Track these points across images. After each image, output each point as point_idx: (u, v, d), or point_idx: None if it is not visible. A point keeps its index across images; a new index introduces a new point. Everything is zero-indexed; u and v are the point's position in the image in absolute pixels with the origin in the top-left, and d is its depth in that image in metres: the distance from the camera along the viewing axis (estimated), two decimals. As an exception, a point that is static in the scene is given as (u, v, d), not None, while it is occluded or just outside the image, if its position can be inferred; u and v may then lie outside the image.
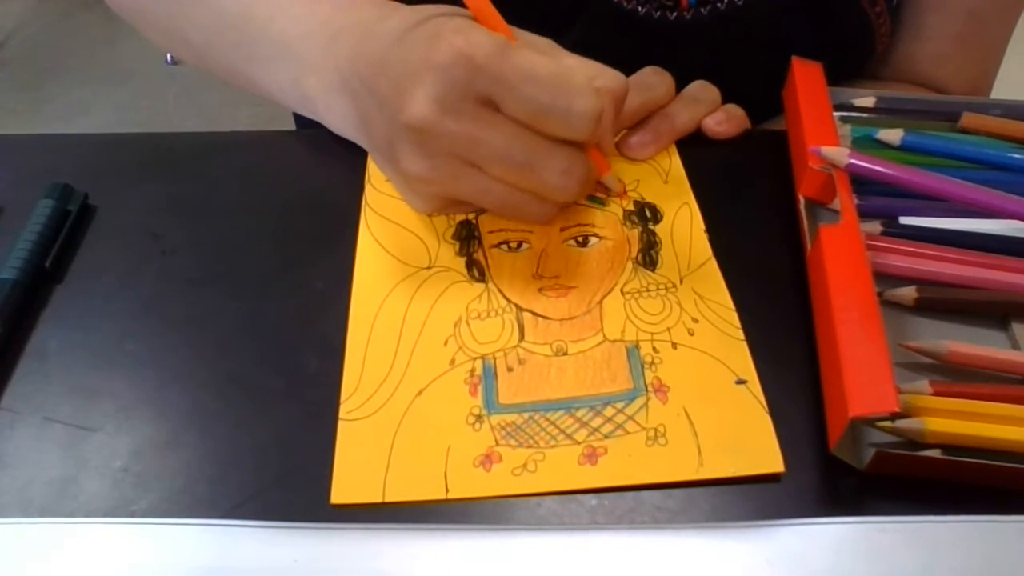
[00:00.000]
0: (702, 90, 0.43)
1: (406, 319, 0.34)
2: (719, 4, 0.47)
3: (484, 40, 0.30)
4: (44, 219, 0.37)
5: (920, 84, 0.52)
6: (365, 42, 0.34)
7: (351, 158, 0.41)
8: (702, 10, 0.47)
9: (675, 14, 0.47)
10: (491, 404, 0.31)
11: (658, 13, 0.47)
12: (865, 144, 0.39)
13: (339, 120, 0.39)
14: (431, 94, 0.31)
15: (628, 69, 0.42)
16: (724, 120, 0.42)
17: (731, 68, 0.43)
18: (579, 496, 0.29)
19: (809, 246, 0.35)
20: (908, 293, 0.34)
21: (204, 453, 0.30)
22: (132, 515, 0.28)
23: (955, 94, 0.52)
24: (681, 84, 0.43)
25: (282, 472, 0.29)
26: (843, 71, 0.44)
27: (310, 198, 0.40)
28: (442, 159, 0.32)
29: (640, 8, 0.47)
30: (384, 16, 0.35)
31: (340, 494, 0.28)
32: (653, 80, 0.41)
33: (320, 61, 0.37)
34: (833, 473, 0.29)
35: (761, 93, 0.44)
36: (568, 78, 0.31)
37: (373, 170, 0.40)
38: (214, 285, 0.36)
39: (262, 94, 0.43)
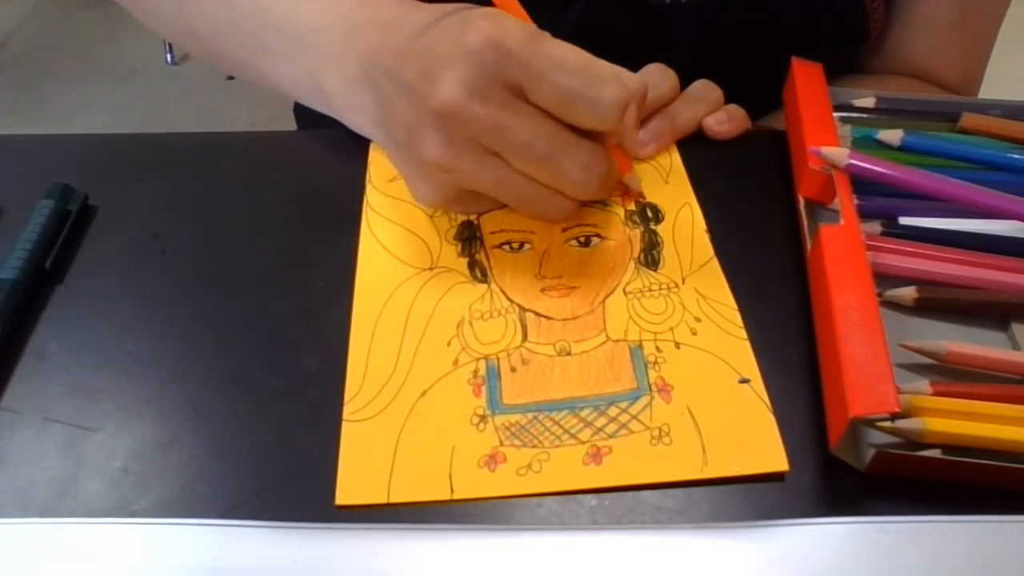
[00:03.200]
0: (704, 89, 0.43)
1: (409, 320, 0.34)
2: None
3: (515, 27, 0.31)
4: (44, 219, 0.37)
5: (913, 74, 0.52)
6: (388, 35, 0.34)
7: (352, 158, 0.41)
8: None
9: None
10: (495, 404, 0.31)
11: None
12: (865, 144, 0.39)
13: (356, 113, 0.38)
14: (461, 78, 0.30)
15: (624, 54, 0.42)
16: (725, 120, 0.42)
17: (727, 53, 0.43)
18: (579, 496, 0.29)
19: (809, 246, 0.35)
20: (908, 293, 0.34)
21: (204, 453, 0.30)
22: (132, 515, 0.28)
23: (948, 82, 0.52)
24: (680, 69, 0.42)
25: (282, 472, 0.29)
26: (838, 57, 0.44)
27: (310, 198, 0.40)
28: (465, 145, 0.32)
29: None
30: (407, 12, 0.35)
31: (345, 495, 0.28)
32: (658, 79, 0.41)
33: (340, 53, 0.37)
34: (833, 473, 0.29)
35: (758, 79, 0.44)
36: (597, 67, 0.31)
37: (374, 171, 0.40)
38: (214, 285, 0.36)
39: (271, 88, 0.43)
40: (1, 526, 0.28)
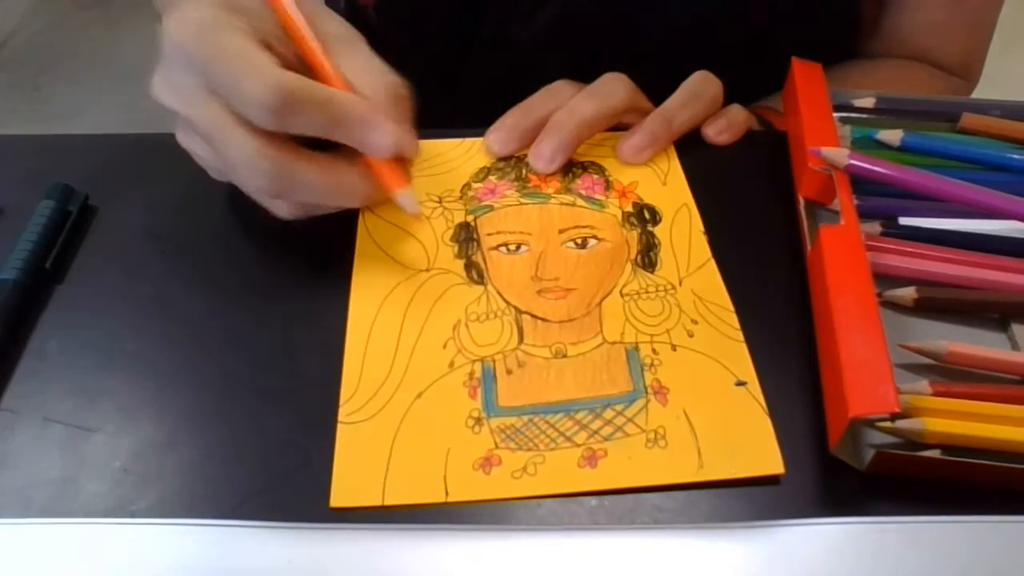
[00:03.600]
0: (702, 84, 0.42)
1: (405, 321, 0.34)
2: None
3: (191, 18, 0.32)
4: (44, 219, 0.37)
5: (912, 56, 0.52)
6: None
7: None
8: None
9: None
10: (491, 407, 0.31)
11: None
12: (865, 144, 0.39)
13: None
14: (160, 70, 0.33)
15: (610, 42, 0.41)
16: (725, 129, 0.42)
17: (716, 39, 0.43)
18: (579, 497, 0.29)
19: (809, 246, 0.35)
20: (908, 293, 0.34)
21: (204, 453, 0.30)
22: (132, 515, 0.28)
23: (948, 63, 0.52)
24: (665, 57, 0.42)
25: (282, 472, 0.29)
26: (834, 43, 0.43)
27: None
28: (182, 124, 0.35)
29: None
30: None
31: (339, 497, 0.28)
32: (610, 87, 0.41)
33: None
34: (833, 473, 0.29)
35: (749, 65, 0.43)
36: (251, 61, 0.31)
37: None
38: (214, 285, 0.36)
39: None
40: (1, 526, 0.28)
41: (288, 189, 0.33)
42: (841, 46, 0.51)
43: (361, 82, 0.34)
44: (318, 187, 0.34)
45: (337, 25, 0.36)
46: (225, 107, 0.32)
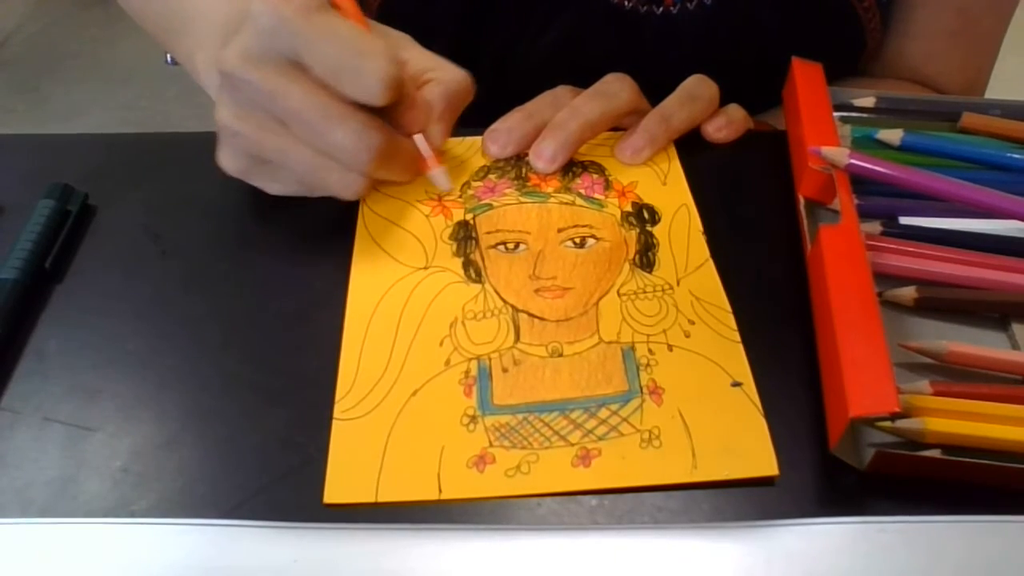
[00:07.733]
0: (698, 85, 0.42)
1: (402, 319, 0.34)
2: None
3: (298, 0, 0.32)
4: (44, 219, 0.37)
5: (914, 80, 0.52)
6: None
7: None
8: (688, 5, 0.47)
9: (661, 9, 0.47)
10: (486, 405, 0.31)
11: (644, 8, 0.47)
12: (865, 144, 0.39)
13: (213, 94, 0.38)
14: (241, 43, 0.32)
15: (615, 65, 0.42)
16: (724, 126, 0.42)
17: (719, 62, 0.43)
18: (579, 496, 0.29)
19: (809, 246, 0.35)
20: (908, 293, 0.34)
21: (204, 453, 0.30)
22: (132, 515, 0.28)
23: (948, 90, 0.52)
24: (669, 79, 0.42)
25: (282, 472, 0.29)
26: (835, 67, 0.44)
27: (308, 197, 0.40)
28: (247, 110, 0.33)
29: (626, 3, 0.47)
30: None
31: (333, 494, 0.28)
32: (614, 87, 0.41)
33: (211, 38, 0.38)
34: (833, 473, 0.29)
35: (752, 86, 0.44)
36: (366, 41, 0.32)
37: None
38: (214, 285, 0.36)
39: (180, 63, 0.44)
40: (1, 526, 0.28)
41: (387, 161, 0.34)
42: (844, 69, 0.51)
43: (434, 74, 0.36)
44: (404, 159, 0.36)
45: (389, 28, 0.37)
46: (320, 86, 0.32)
